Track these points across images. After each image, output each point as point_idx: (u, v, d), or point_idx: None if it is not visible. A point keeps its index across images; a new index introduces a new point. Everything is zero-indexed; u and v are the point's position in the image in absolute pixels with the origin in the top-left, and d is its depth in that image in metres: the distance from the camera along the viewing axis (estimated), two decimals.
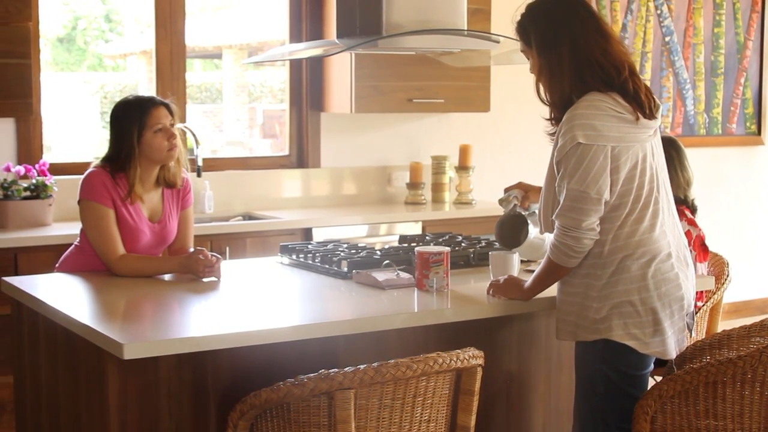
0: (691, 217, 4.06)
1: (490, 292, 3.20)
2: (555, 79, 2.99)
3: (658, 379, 3.10)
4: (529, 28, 3.03)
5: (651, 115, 2.97)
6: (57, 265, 3.76)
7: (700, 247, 4.01)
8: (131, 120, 3.59)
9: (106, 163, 3.63)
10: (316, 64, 5.78)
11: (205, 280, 3.46)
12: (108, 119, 3.73)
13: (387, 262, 3.51)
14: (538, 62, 3.02)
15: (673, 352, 3.02)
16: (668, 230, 3.02)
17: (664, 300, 2.97)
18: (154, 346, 2.64)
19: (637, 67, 6.82)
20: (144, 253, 3.64)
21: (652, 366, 3.07)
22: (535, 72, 3.05)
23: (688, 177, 4.12)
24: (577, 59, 2.95)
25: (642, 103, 2.95)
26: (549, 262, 3.02)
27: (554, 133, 3.02)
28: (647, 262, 2.95)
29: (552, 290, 3.14)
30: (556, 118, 3.02)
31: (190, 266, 3.47)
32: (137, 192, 3.60)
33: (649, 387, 3.05)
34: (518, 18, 3.07)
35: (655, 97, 3.02)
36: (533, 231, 3.32)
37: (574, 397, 3.13)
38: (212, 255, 3.49)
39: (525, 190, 3.47)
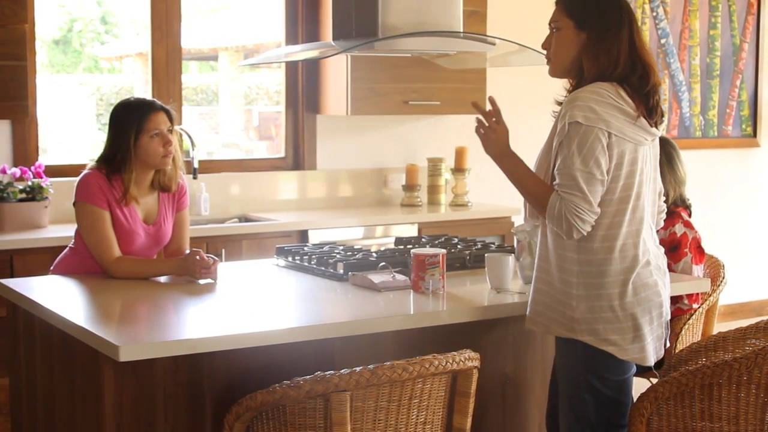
0: (688, 219, 4.07)
1: (480, 130, 3.12)
2: (600, 60, 2.96)
3: (654, 381, 3.11)
4: (585, 4, 3.00)
5: (655, 125, 2.99)
6: (52, 267, 3.76)
7: (696, 249, 4.01)
8: (130, 122, 3.59)
9: (101, 164, 3.63)
10: (312, 66, 5.78)
11: (201, 282, 3.46)
12: (104, 121, 3.74)
13: (383, 264, 3.51)
14: (585, 38, 2.97)
15: (651, 359, 3.00)
16: (647, 238, 3.02)
17: (644, 305, 2.97)
18: (149, 348, 2.64)
19: None
20: (138, 255, 3.64)
21: (634, 369, 3.06)
22: (574, 47, 3.00)
23: (683, 176, 4.12)
24: (629, 49, 2.96)
25: (653, 114, 2.97)
26: (542, 212, 2.95)
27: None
28: (629, 267, 2.95)
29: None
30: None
31: (187, 268, 3.47)
32: (132, 194, 3.60)
33: (644, 388, 3.05)
34: None
35: (663, 112, 3.04)
36: None
37: (560, 401, 3.11)
38: (208, 257, 3.50)
39: None
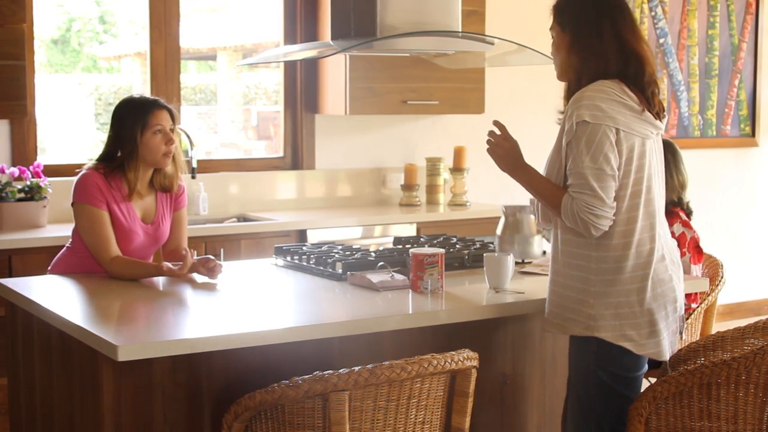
0: (686, 219, 4.07)
1: (489, 144, 3.13)
2: (585, 56, 2.99)
3: (653, 380, 3.11)
4: (566, 6, 3.06)
5: (657, 117, 3.01)
6: (49, 267, 3.76)
7: (694, 249, 4.01)
8: (134, 118, 3.60)
9: (100, 163, 3.63)
10: (311, 66, 5.78)
11: (199, 280, 3.47)
12: (103, 121, 3.74)
13: (381, 263, 3.51)
14: (569, 39, 3.03)
15: (666, 354, 3.03)
16: (661, 231, 3.04)
17: (660, 301, 2.99)
18: (148, 347, 2.63)
19: None
20: (136, 254, 3.64)
21: (646, 367, 3.07)
22: (563, 48, 3.05)
23: (683, 180, 4.13)
24: (616, 42, 2.98)
25: (652, 106, 3.00)
26: (557, 211, 2.98)
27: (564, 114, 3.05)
28: (646, 262, 2.96)
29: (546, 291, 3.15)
30: (568, 97, 3.06)
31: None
32: (138, 190, 3.62)
33: (643, 388, 3.05)
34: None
35: (663, 105, 3.07)
36: None
37: (568, 399, 3.13)
38: (210, 257, 3.50)
39: None
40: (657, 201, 3.04)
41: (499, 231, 3.76)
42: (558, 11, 3.08)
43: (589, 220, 2.91)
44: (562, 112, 3.07)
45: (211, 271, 3.47)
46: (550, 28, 3.12)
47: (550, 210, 3.03)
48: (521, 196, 3.77)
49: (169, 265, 3.48)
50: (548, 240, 3.53)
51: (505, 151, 3.11)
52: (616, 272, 2.95)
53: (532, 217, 3.57)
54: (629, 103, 2.94)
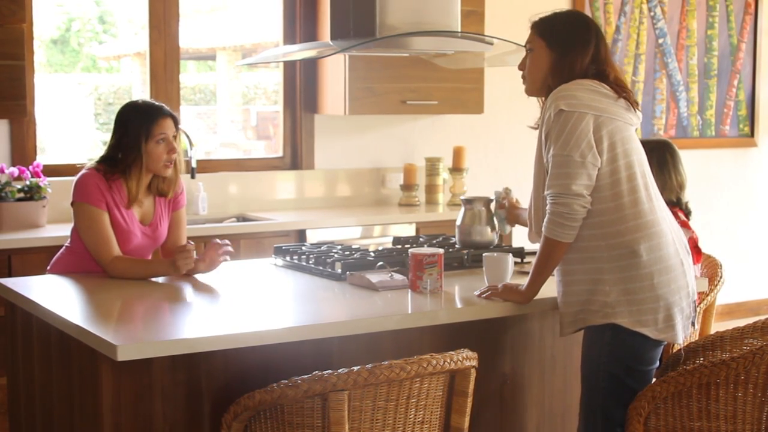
0: (684, 219, 4.07)
1: (485, 296, 3.19)
2: (564, 74, 3.06)
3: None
4: (556, 25, 3.11)
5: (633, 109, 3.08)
6: (48, 267, 3.76)
7: (693, 249, 4.01)
8: (138, 126, 3.59)
9: (100, 164, 3.62)
10: (310, 66, 5.78)
11: (197, 276, 3.47)
12: (102, 121, 3.73)
13: (381, 263, 3.52)
14: (552, 56, 3.09)
15: (680, 338, 3.05)
16: (668, 217, 3.08)
17: (672, 286, 3.01)
18: (147, 347, 2.64)
19: (630, 69, 6.86)
20: (134, 255, 3.64)
21: (657, 363, 3.08)
22: (545, 66, 3.10)
23: (681, 180, 4.14)
24: (595, 66, 3.06)
25: (629, 101, 3.07)
26: (545, 241, 3.02)
27: (538, 127, 3.13)
28: (656, 245, 2.98)
29: (547, 291, 3.15)
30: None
31: (177, 263, 3.48)
32: (138, 198, 3.62)
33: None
34: (543, 15, 3.15)
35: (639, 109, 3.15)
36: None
37: (580, 394, 3.13)
38: (217, 241, 3.54)
39: (510, 207, 3.79)
40: (652, 186, 3.07)
41: (458, 222, 3.86)
42: (546, 29, 3.12)
43: (558, 212, 2.96)
44: (536, 127, 3.15)
45: (224, 254, 3.53)
46: (528, 43, 3.16)
47: (561, 254, 3.03)
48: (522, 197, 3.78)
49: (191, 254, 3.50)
50: (503, 232, 3.85)
51: (505, 292, 3.15)
52: (629, 257, 2.97)
53: (483, 210, 3.81)
54: (604, 91, 3.01)
